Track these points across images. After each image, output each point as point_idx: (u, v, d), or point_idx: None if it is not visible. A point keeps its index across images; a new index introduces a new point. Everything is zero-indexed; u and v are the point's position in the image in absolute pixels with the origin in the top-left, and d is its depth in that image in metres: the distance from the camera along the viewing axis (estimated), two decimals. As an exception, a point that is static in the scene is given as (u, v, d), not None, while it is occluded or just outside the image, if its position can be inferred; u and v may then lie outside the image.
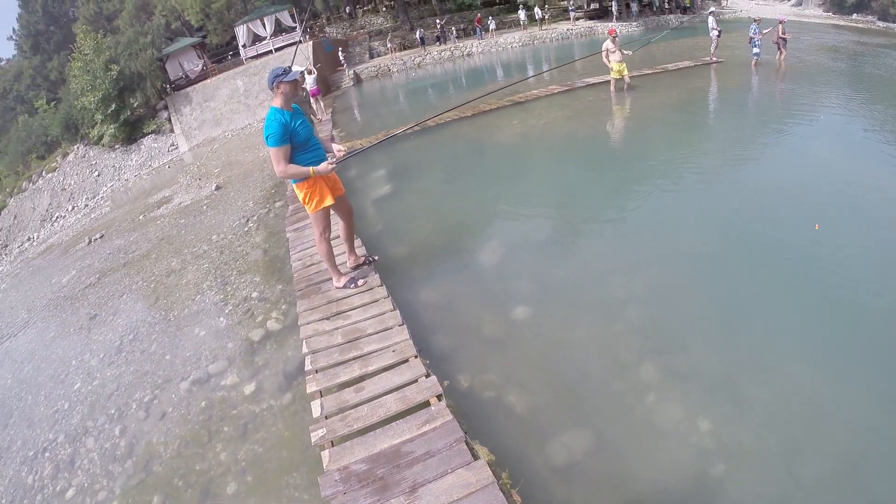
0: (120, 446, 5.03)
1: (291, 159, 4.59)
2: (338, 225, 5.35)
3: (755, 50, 14.38)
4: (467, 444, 3.21)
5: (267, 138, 4.47)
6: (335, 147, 4.94)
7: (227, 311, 6.59)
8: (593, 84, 14.51)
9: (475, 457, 3.12)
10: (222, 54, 36.07)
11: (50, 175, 32.37)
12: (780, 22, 14.94)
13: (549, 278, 5.50)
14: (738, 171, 7.32)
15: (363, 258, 5.70)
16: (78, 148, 32.81)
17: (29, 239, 27.62)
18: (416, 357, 4.04)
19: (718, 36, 15.75)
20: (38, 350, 8.44)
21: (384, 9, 43.95)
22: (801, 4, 49.09)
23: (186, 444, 4.62)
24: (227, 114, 29.29)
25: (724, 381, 3.81)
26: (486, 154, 10.62)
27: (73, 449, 5.31)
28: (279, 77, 4.51)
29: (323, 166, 4.63)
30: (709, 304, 4.71)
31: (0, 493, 5.17)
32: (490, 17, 36.58)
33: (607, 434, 3.56)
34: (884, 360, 3.75)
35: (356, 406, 3.73)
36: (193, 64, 33.37)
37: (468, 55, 32.49)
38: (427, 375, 3.83)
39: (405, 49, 36.19)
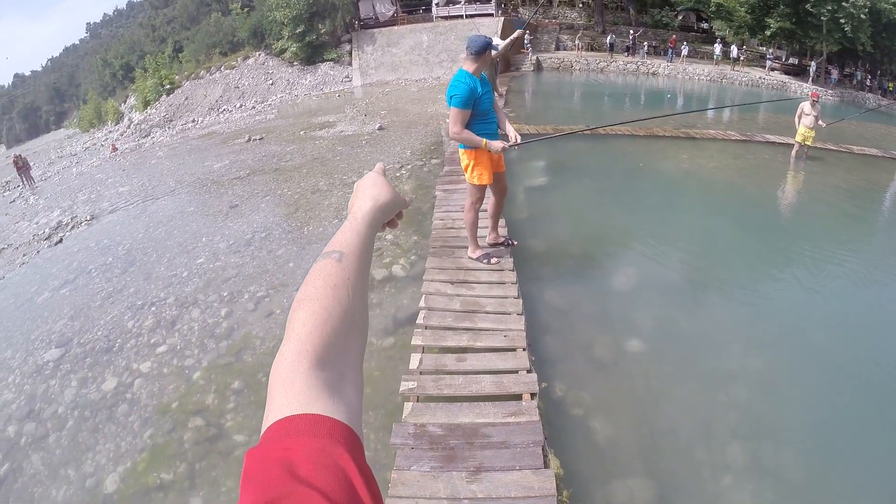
0: (221, 326, 5.40)
1: (468, 125, 4.69)
2: (488, 200, 5.40)
3: None
4: (544, 449, 3.20)
5: (451, 98, 4.55)
6: (510, 130, 4.95)
7: (358, 244, 6.87)
8: (773, 143, 13.56)
9: (546, 465, 3.10)
10: (415, 7, 36.89)
11: (228, 71, 35.06)
12: None
13: (670, 324, 5.30)
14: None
15: (503, 239, 5.73)
16: (259, 55, 35.22)
17: (193, 121, 30.10)
18: (524, 350, 4.05)
19: None
20: (175, 218, 9.18)
21: (580, 5, 43.14)
22: None
23: (281, 348, 4.92)
24: (406, 63, 30.24)
25: (805, 493, 3.54)
26: (647, 179, 10.30)
27: (178, 313, 5.78)
28: (491, 46, 4.61)
29: (497, 144, 4.69)
30: (818, 411, 4.32)
31: (100, 325, 5.72)
32: (685, 42, 35.00)
33: (672, 497, 3.44)
34: None
35: (452, 374, 3.81)
36: (385, 8, 34.52)
37: (653, 74, 31.36)
38: (529, 371, 3.83)
39: (592, 50, 35.42)
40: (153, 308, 5.96)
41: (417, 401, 3.59)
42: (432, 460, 3.09)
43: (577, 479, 3.38)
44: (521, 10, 40.29)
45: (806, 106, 11.91)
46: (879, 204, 10.59)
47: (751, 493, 3.46)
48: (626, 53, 34.41)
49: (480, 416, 3.41)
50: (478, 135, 4.67)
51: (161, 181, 12.83)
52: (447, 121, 5.11)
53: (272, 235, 7.61)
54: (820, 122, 11.83)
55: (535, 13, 34.45)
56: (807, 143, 11.98)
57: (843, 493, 3.59)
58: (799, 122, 12.00)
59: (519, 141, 4.86)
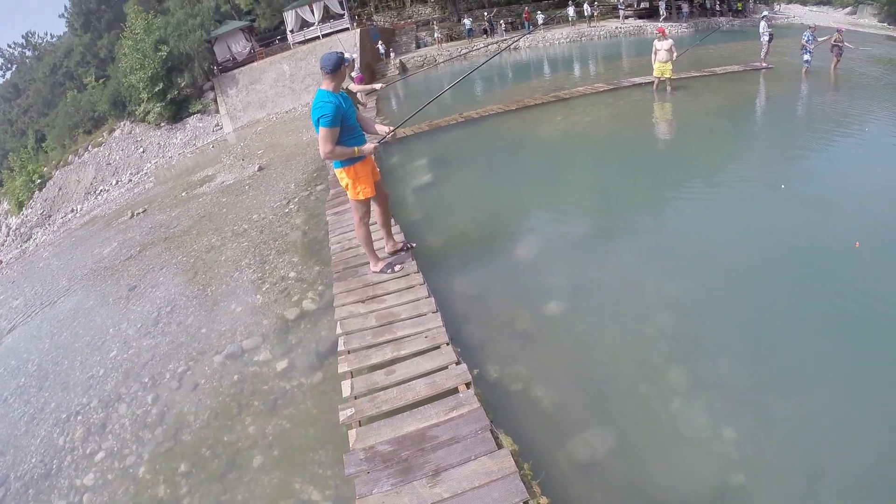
0: (151, 414, 5.13)
1: (337, 142, 4.64)
2: (374, 211, 5.39)
3: (806, 57, 13.98)
4: (492, 432, 3.24)
5: (319, 119, 4.46)
6: (379, 128, 5.00)
7: (263, 289, 6.71)
8: (639, 84, 14.31)
9: (499, 446, 3.15)
10: (270, 38, 36.49)
11: (96, 150, 33.26)
12: (839, 31, 14.45)
13: (582, 277, 5.48)
14: (777, 183, 7.09)
15: (401, 244, 5.75)
16: (124, 124, 33.64)
17: (72, 210, 28.38)
18: (447, 344, 4.08)
19: (770, 41, 15.31)
20: (77, 317, 8.63)
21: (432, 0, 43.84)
22: (855, 14, 47.35)
23: (216, 416, 4.72)
24: (273, 97, 29.71)
25: (751, 393, 3.77)
26: (527, 149, 10.58)
27: (105, 414, 5.43)
28: (345, 61, 4.60)
29: (368, 146, 4.69)
30: (741, 315, 4.63)
31: (31, 451, 5.30)
32: (539, 12, 36.25)
33: (630, 435, 3.56)
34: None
35: (385, 388, 3.78)
36: (241, 47, 33.80)
37: (515, 49, 32.26)
38: (457, 363, 3.86)
39: (451, 40, 36.10)
40: (79, 417, 5.59)
41: (360, 425, 3.54)
42: (391, 478, 3.07)
43: (535, 449, 3.43)
44: (374, 18, 40.54)
45: (656, 42, 12.70)
46: (749, 111, 11.44)
47: (702, 409, 3.64)
48: (484, 35, 35.23)
49: (424, 421, 3.40)
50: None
51: (53, 283, 12.04)
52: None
53: (178, 307, 7.29)
54: (674, 55, 12.62)
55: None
56: (665, 76, 12.76)
57: (784, 382, 3.84)
58: (655, 59, 12.77)
59: (390, 130, 4.92)
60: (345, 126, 4.61)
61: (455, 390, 3.63)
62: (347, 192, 5.00)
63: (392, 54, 32.00)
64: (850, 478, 3.13)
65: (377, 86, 9.55)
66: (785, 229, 5.89)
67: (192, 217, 12.31)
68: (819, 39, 13.98)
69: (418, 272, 5.18)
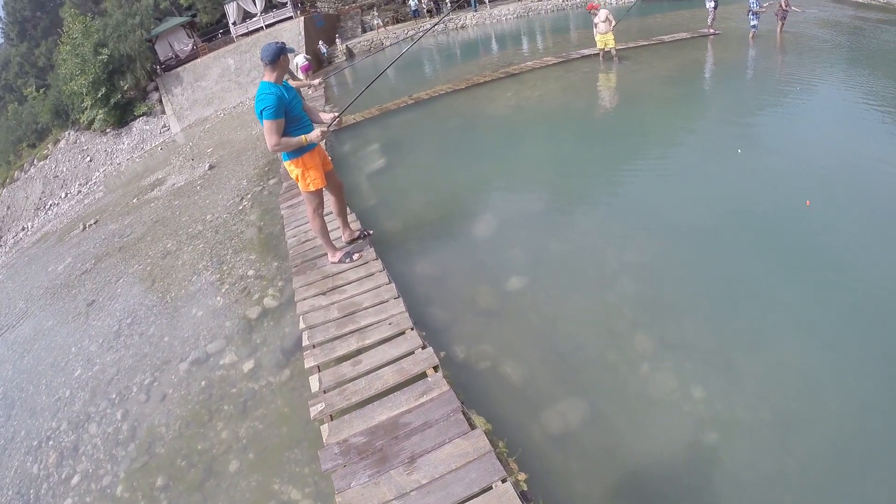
0: (122, 430, 5.04)
1: (283, 133, 4.55)
2: (329, 200, 5.32)
3: (753, 22, 14.19)
4: (464, 413, 3.24)
5: (262, 112, 4.38)
6: (325, 116, 4.92)
7: (223, 290, 6.59)
8: (588, 56, 14.35)
9: (472, 426, 3.15)
10: (212, 33, 35.44)
11: (42, 163, 32.06)
12: None
13: (543, 250, 5.50)
14: (731, 146, 7.20)
15: (358, 232, 5.71)
16: (69, 134, 32.45)
17: (23, 229, 27.40)
18: (412, 329, 4.07)
19: (715, 8, 15.45)
20: (38, 339, 8.41)
21: (377, -19, 43.08)
22: (801, -22, 48.15)
23: (188, 425, 4.64)
24: (219, 93, 28.99)
25: (717, 351, 3.84)
26: (480, 127, 10.54)
27: (76, 436, 5.32)
28: (285, 51, 4.50)
29: (314, 133, 4.61)
30: (701, 277, 4.72)
31: (6, 484, 5.17)
32: (485, -12, 35.94)
33: (602, 403, 3.60)
34: (872, 335, 3.77)
35: (354, 379, 3.75)
36: (183, 44, 32.82)
37: (462, 28, 32.03)
38: (423, 347, 3.85)
39: (398, 22, 35.68)
40: (50, 442, 5.45)
41: (332, 419, 3.51)
42: (367, 469, 3.05)
43: (509, 426, 3.45)
44: (318, 4, 39.69)
45: (594, 18, 12.85)
46: (699, 77, 11.60)
47: (671, 371, 3.70)
48: (430, 16, 34.85)
49: (395, 408, 3.39)
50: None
51: (10, 307, 11.63)
52: None
53: (138, 317, 7.12)
54: (613, 24, 12.77)
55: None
56: (609, 46, 12.90)
57: (748, 338, 3.93)
58: (595, 32, 12.93)
59: (336, 115, 4.87)
60: (290, 116, 4.52)
61: (423, 375, 3.62)
62: (298, 184, 4.91)
63: (338, 40, 31.45)
64: (819, 425, 3.23)
65: (315, 82, 9.41)
66: (740, 192, 5.99)
67: (146, 223, 12.01)
68: (765, 4, 14.18)
69: (377, 259, 5.16)
